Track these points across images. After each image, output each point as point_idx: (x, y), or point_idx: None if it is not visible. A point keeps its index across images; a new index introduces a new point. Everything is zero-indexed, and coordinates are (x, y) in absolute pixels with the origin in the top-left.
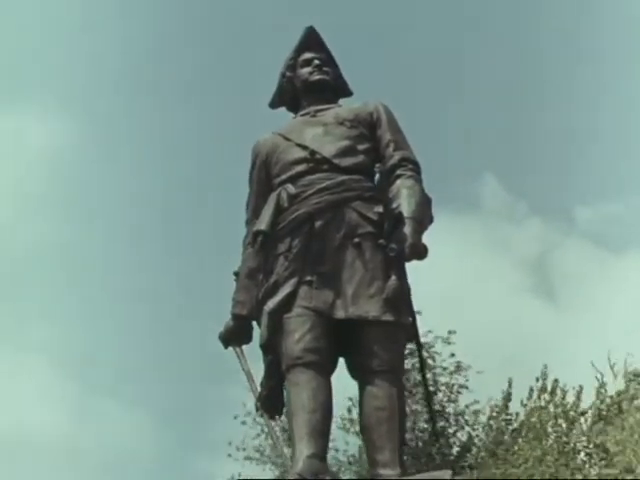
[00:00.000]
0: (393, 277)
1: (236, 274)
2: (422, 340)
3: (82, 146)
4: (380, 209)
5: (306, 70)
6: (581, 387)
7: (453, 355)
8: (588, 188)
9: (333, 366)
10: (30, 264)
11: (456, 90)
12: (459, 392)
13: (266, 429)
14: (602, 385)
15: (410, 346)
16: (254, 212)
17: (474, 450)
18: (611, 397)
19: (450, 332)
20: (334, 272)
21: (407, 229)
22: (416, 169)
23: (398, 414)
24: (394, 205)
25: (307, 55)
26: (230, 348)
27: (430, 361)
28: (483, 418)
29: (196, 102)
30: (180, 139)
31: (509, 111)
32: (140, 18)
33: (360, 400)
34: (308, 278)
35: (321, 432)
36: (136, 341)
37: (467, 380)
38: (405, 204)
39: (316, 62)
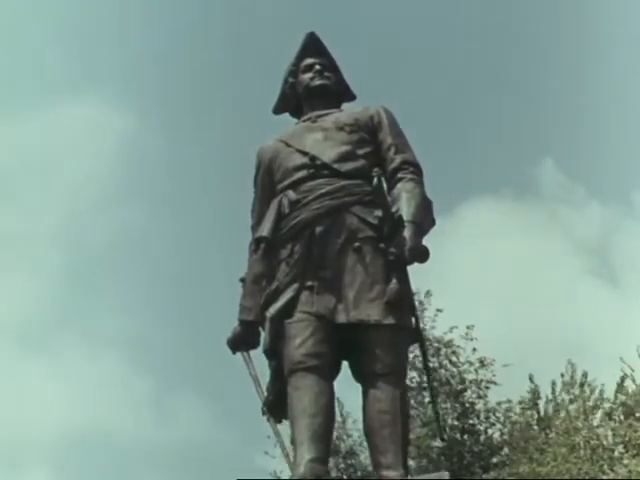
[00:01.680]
0: (394, 280)
1: (242, 280)
2: (446, 337)
3: (151, 133)
4: (380, 213)
5: (307, 76)
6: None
7: (475, 350)
8: None
9: (335, 370)
10: (109, 254)
11: (513, 77)
12: (487, 387)
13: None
14: (624, 378)
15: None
16: (259, 218)
17: (505, 447)
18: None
19: (469, 327)
20: (335, 277)
21: (407, 232)
22: (417, 172)
23: (401, 417)
24: (394, 209)
25: (308, 61)
26: (238, 353)
27: (454, 358)
28: (514, 415)
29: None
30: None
31: (567, 95)
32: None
33: (363, 403)
34: (309, 283)
35: (322, 436)
36: (214, 337)
37: (494, 375)
38: (405, 207)
39: (317, 67)
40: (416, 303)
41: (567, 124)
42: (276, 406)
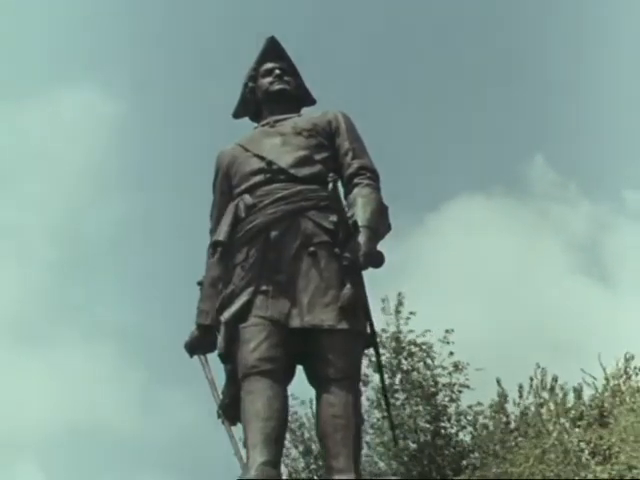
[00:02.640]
0: (348, 286)
1: (200, 283)
2: (420, 340)
3: (148, 121)
4: (335, 218)
5: (267, 80)
6: (581, 386)
7: (452, 354)
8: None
9: (290, 375)
10: (105, 245)
11: (502, 73)
12: (460, 391)
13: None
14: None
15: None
16: (217, 222)
17: (476, 450)
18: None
19: (447, 331)
20: (290, 281)
21: (362, 238)
22: (374, 177)
23: (354, 421)
24: (349, 214)
25: (268, 65)
26: (195, 356)
27: (429, 360)
28: (484, 419)
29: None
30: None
31: (558, 92)
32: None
33: (317, 408)
34: (264, 287)
35: (275, 439)
36: None
37: (467, 379)
38: (360, 213)
39: (277, 72)
40: (391, 307)
41: (558, 121)
42: (231, 409)
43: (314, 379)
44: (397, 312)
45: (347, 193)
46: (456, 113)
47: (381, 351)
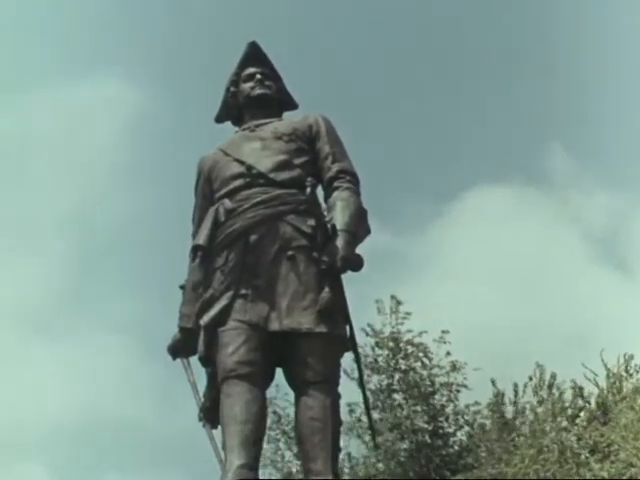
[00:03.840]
0: (326, 289)
1: (182, 287)
2: (417, 340)
3: (164, 110)
4: (314, 222)
5: (248, 85)
6: (580, 383)
7: (449, 354)
8: None
9: (268, 378)
10: (120, 237)
11: (521, 62)
12: (458, 391)
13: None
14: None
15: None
16: (198, 226)
17: (474, 450)
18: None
19: (444, 332)
20: (269, 285)
21: (339, 242)
22: (354, 181)
23: (332, 424)
24: (328, 217)
25: (250, 70)
26: (178, 360)
27: (426, 360)
28: (481, 419)
29: None
30: None
31: (577, 81)
32: None
33: (295, 411)
34: (243, 291)
35: (253, 442)
36: None
37: (465, 378)
38: (339, 216)
39: (258, 77)
40: (386, 307)
41: (577, 110)
42: (212, 412)
43: (293, 382)
44: (393, 312)
45: (327, 197)
46: (475, 102)
47: (378, 352)
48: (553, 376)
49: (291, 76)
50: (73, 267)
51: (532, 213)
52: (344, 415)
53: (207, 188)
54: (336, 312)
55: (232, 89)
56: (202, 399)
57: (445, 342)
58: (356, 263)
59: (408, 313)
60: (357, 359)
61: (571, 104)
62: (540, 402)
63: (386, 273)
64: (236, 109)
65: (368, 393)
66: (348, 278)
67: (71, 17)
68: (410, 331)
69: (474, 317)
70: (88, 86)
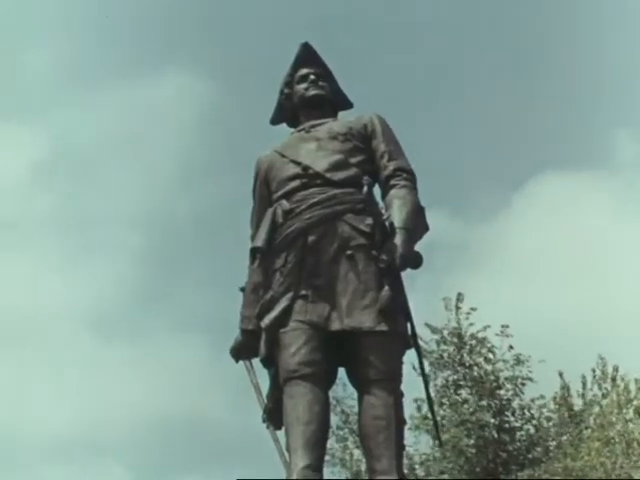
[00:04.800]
0: (386, 288)
1: (242, 289)
2: (481, 335)
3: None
4: (371, 221)
5: (302, 86)
6: None
7: (512, 348)
8: None
9: (331, 378)
10: (192, 232)
11: (586, 49)
12: (523, 384)
13: None
14: None
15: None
16: (256, 228)
17: (540, 444)
18: None
19: (504, 326)
20: (328, 285)
21: (398, 239)
22: (410, 178)
23: (395, 423)
24: (385, 216)
25: (303, 71)
26: (240, 362)
27: (490, 355)
28: (547, 412)
29: None
30: None
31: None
32: None
33: (359, 409)
34: (303, 292)
35: (316, 443)
36: None
37: (530, 371)
38: (397, 214)
39: (312, 77)
40: (452, 304)
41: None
42: (275, 414)
43: (356, 381)
44: (457, 308)
45: (384, 195)
46: (540, 90)
47: (444, 347)
48: (615, 368)
49: (353, 75)
50: (148, 266)
51: (598, 199)
52: (412, 411)
53: (264, 190)
54: (397, 310)
55: (286, 91)
56: (265, 400)
57: (507, 336)
58: (415, 260)
59: (473, 309)
60: (419, 356)
61: (637, 89)
62: (604, 395)
63: (455, 264)
64: (291, 110)
65: (434, 390)
66: (416, 271)
67: (142, 11)
68: (472, 324)
69: (539, 308)
70: (161, 79)
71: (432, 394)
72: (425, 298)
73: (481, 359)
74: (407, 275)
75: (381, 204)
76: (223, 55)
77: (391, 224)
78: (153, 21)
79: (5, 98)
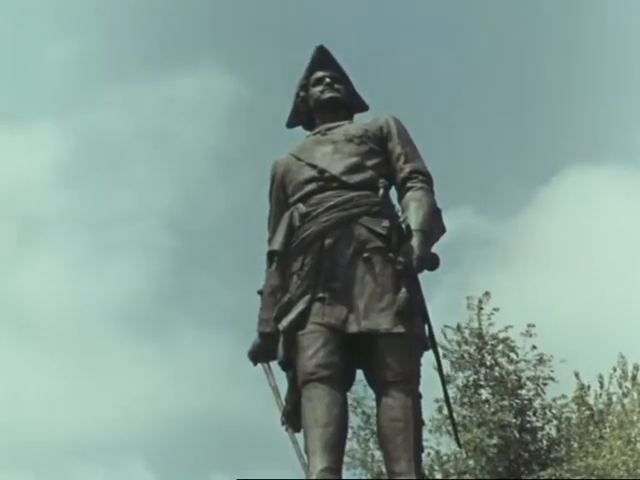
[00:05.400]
0: (403, 289)
1: (260, 292)
2: (502, 335)
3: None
4: (387, 223)
5: (318, 89)
6: None
7: (535, 347)
8: None
9: (349, 380)
10: (222, 229)
11: (613, 44)
12: (545, 384)
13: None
14: None
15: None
16: (274, 231)
17: (562, 443)
18: None
19: (529, 325)
20: (345, 287)
21: (415, 241)
22: (427, 180)
23: (413, 424)
24: (402, 218)
25: (318, 74)
26: (259, 365)
27: (513, 355)
28: (568, 412)
29: None
30: None
31: None
32: None
33: (377, 411)
34: (320, 295)
35: (334, 445)
36: None
37: (552, 371)
38: (413, 216)
39: (327, 80)
40: (475, 302)
41: None
42: (294, 416)
43: (373, 383)
44: (480, 308)
45: (400, 197)
46: (566, 83)
47: (465, 347)
48: (636, 367)
49: (372, 76)
50: (179, 261)
51: (626, 192)
52: (433, 412)
53: (281, 193)
54: (414, 312)
55: (302, 94)
56: (284, 403)
57: (531, 335)
58: (432, 262)
59: (495, 309)
60: (437, 358)
61: None
62: (625, 393)
63: (481, 260)
64: (306, 114)
65: (455, 390)
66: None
67: (171, 7)
68: (492, 324)
69: (563, 306)
70: (189, 75)
71: (453, 394)
72: (452, 295)
73: (503, 359)
74: (433, 273)
75: (397, 206)
76: (253, 50)
77: (407, 226)
78: (183, 16)
79: (31, 93)
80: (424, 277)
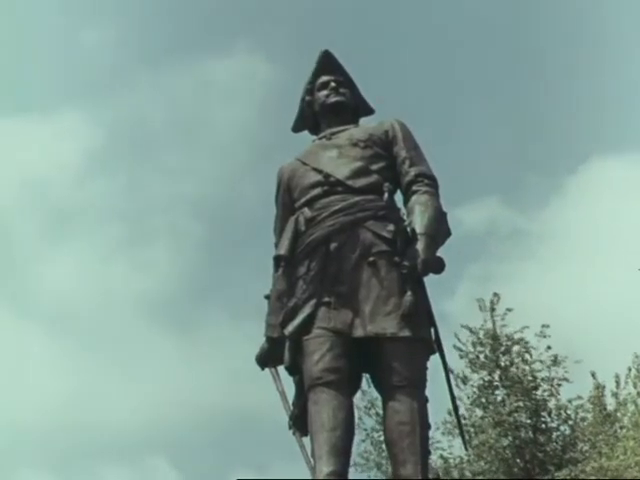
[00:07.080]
0: (408, 293)
1: (267, 297)
2: (517, 336)
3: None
4: (393, 227)
5: (323, 93)
6: None
7: (549, 348)
8: None
9: (355, 384)
10: (255, 220)
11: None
12: (559, 385)
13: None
14: None
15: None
16: (280, 236)
17: (577, 444)
18: None
19: (544, 326)
20: (351, 292)
21: (420, 245)
22: (432, 184)
23: (420, 428)
24: (407, 222)
25: (324, 78)
26: (266, 369)
27: (527, 356)
28: (583, 412)
29: None
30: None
31: None
32: None
33: (384, 415)
34: (326, 299)
35: (341, 450)
36: None
37: (567, 372)
38: (418, 220)
39: (332, 84)
40: (487, 304)
41: None
42: (301, 420)
43: (380, 387)
44: (492, 310)
45: (406, 201)
46: (594, 72)
47: (480, 349)
48: None
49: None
50: (211, 252)
51: None
52: (445, 415)
53: (287, 198)
54: (420, 315)
55: (307, 98)
56: (291, 407)
57: (545, 336)
58: (437, 265)
59: (509, 309)
60: (443, 361)
61: None
62: (639, 393)
63: (508, 251)
64: (312, 118)
65: (470, 391)
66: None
67: None
68: (505, 326)
69: (584, 300)
70: (221, 65)
71: (469, 395)
72: (477, 287)
73: (518, 360)
74: (458, 264)
75: (403, 210)
76: (289, 34)
77: (413, 230)
78: (219, 2)
79: (63, 80)
80: (445, 272)
